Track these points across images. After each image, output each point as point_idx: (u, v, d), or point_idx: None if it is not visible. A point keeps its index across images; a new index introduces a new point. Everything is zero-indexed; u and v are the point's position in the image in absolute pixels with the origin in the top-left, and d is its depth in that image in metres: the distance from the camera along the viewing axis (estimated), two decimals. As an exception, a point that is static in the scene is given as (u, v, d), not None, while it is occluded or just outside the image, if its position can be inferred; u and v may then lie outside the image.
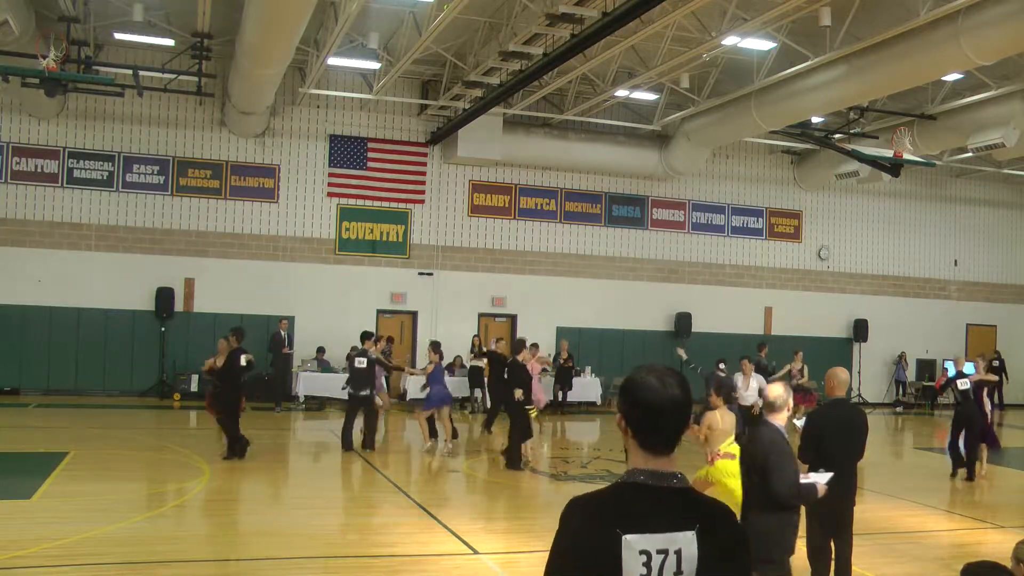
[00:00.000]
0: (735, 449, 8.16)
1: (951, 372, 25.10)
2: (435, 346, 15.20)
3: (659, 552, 2.42)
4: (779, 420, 5.90)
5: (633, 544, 2.41)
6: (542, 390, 19.24)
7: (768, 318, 25.79)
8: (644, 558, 2.41)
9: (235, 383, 13.22)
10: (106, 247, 20.99)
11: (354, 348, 15.31)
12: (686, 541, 2.44)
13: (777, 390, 6.00)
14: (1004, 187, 28.63)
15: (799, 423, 7.48)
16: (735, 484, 7.64)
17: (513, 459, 13.42)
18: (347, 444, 14.56)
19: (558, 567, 2.49)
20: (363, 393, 14.58)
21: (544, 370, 19.97)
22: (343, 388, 15.15)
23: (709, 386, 10.22)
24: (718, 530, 2.50)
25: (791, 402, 6.01)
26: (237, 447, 13.07)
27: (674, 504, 2.49)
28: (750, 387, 14.93)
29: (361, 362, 14.66)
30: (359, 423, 14.87)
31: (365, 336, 15.40)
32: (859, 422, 7.12)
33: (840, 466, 6.97)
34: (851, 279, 27.11)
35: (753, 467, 5.83)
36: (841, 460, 6.95)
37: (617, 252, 24.75)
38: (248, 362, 13.13)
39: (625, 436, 2.56)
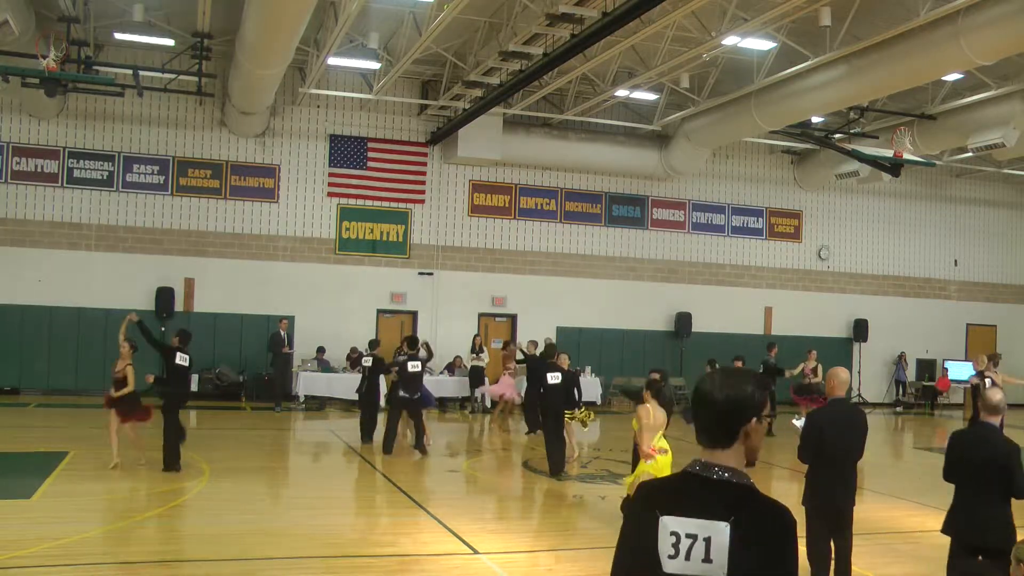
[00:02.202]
0: (666, 444, 8.75)
1: (959, 374, 25.13)
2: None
3: (688, 536, 2.56)
4: (996, 420, 6.38)
5: (667, 525, 2.58)
6: (512, 387, 19.26)
7: (768, 318, 25.79)
8: (673, 539, 2.57)
9: (185, 386, 12.89)
10: (106, 247, 20.99)
11: (400, 352, 15.07)
12: (717, 530, 2.53)
13: (999, 395, 6.45)
14: (1004, 187, 28.63)
15: (799, 423, 7.48)
16: None
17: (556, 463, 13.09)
18: (389, 448, 14.52)
19: (622, 546, 2.74)
20: (415, 396, 14.57)
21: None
22: (401, 394, 14.66)
23: None
24: (760, 528, 2.55)
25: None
26: (176, 455, 12.25)
27: (715, 494, 2.60)
28: None
29: (415, 366, 14.66)
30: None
31: (413, 342, 15.35)
32: (859, 421, 7.14)
33: (840, 466, 6.98)
34: (851, 279, 27.10)
35: (991, 466, 6.24)
36: (841, 460, 6.97)
37: (617, 252, 24.75)
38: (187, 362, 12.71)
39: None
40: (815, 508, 7.00)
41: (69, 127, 20.92)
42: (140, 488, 11.25)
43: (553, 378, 13.44)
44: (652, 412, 8.94)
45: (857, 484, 7.32)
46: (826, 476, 6.94)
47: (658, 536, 2.57)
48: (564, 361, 13.98)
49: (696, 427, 2.70)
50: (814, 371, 18.81)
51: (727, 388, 2.64)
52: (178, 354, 12.43)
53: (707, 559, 2.52)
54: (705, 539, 2.53)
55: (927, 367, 27.11)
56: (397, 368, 14.96)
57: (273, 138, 22.16)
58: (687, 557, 2.54)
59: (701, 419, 2.69)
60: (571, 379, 14.00)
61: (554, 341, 15.84)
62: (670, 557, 2.55)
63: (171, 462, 12.01)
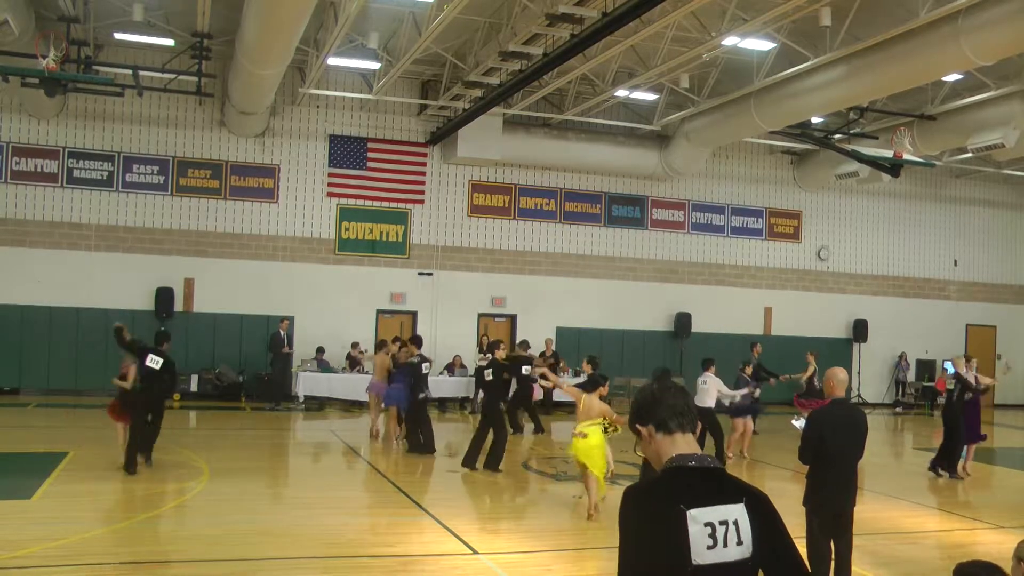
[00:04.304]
0: (592, 431, 10.15)
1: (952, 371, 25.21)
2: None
3: (721, 523, 2.64)
4: None
5: (698, 517, 2.61)
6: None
7: (768, 318, 25.79)
8: (709, 529, 2.62)
9: (153, 388, 12.21)
10: (106, 247, 20.99)
11: (418, 355, 15.00)
12: (739, 512, 2.67)
13: None
14: (1004, 187, 28.63)
15: (798, 424, 7.45)
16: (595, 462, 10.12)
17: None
18: (431, 447, 14.47)
19: (632, 554, 2.67)
20: (420, 396, 14.55)
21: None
22: (420, 396, 14.59)
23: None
24: (759, 505, 2.74)
25: None
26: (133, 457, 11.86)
27: (718, 481, 2.73)
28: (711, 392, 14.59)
29: (427, 367, 14.68)
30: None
31: (419, 341, 15.37)
32: (860, 421, 7.14)
33: (841, 466, 6.97)
34: (851, 279, 27.11)
35: None
36: (843, 460, 6.96)
37: (617, 252, 24.75)
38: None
39: (651, 441, 2.81)
40: (816, 508, 7.00)
41: (69, 127, 20.92)
42: (140, 488, 11.24)
43: (487, 374, 14.01)
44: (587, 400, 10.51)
45: (858, 484, 7.32)
46: (828, 477, 6.93)
47: (688, 531, 2.60)
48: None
49: (669, 416, 2.79)
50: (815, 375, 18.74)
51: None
52: (149, 355, 12.02)
53: (740, 542, 2.64)
54: (734, 523, 2.64)
55: (927, 367, 27.10)
56: (408, 368, 14.88)
57: (273, 138, 22.16)
58: (724, 544, 2.62)
59: (670, 403, 2.81)
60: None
61: (499, 339, 15.95)
62: (709, 548, 2.61)
63: (128, 463, 11.64)
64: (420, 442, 14.47)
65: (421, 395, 14.53)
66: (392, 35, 18.30)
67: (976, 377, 14.46)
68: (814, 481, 7.02)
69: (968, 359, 15.09)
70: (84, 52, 17.42)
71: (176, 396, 20.27)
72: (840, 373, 7.09)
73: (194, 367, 20.87)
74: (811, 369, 18.58)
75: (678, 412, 2.80)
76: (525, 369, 16.88)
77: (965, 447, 14.27)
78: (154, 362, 12.03)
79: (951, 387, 14.59)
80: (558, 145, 23.38)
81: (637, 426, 2.84)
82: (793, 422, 7.59)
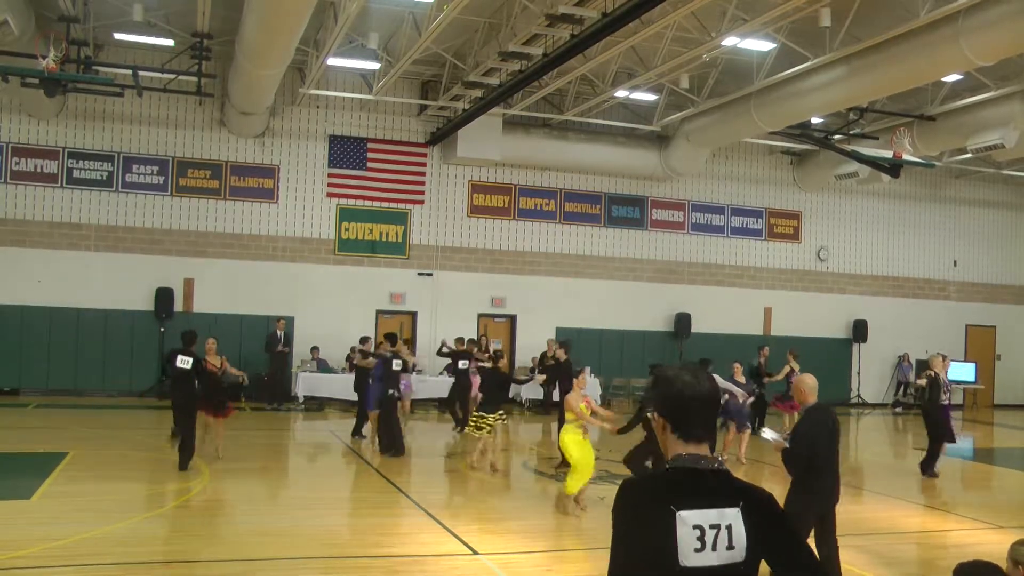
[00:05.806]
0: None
1: (958, 375, 25.28)
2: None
3: (711, 527, 2.60)
4: None
5: (687, 519, 2.58)
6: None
7: (768, 318, 25.79)
8: (698, 532, 2.58)
9: (183, 389, 12.65)
10: (106, 247, 20.99)
11: (390, 351, 15.05)
12: (734, 517, 2.62)
13: None
14: (1004, 188, 28.64)
15: (769, 436, 7.16)
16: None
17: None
18: (400, 448, 14.41)
19: (621, 552, 2.64)
20: (391, 392, 14.56)
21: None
22: (389, 392, 14.61)
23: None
24: (761, 509, 2.69)
25: None
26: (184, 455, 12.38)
27: (718, 484, 2.68)
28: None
29: (398, 364, 14.70)
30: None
31: (393, 338, 15.40)
32: (837, 423, 7.13)
33: (828, 470, 6.95)
34: (851, 279, 27.11)
35: None
36: (829, 464, 6.95)
37: (617, 252, 24.75)
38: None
39: (663, 432, 2.75)
40: (801, 513, 6.82)
41: (69, 127, 20.91)
42: (140, 489, 11.26)
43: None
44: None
45: (840, 485, 7.25)
46: (816, 482, 6.87)
47: (677, 533, 2.56)
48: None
49: (691, 425, 2.70)
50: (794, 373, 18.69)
51: (711, 382, 2.75)
52: (178, 357, 12.46)
53: (731, 546, 2.60)
54: (727, 527, 2.60)
55: (926, 368, 27.02)
56: (382, 363, 14.87)
57: (273, 138, 22.16)
58: (714, 548, 2.58)
59: (700, 414, 2.70)
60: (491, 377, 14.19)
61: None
62: (696, 551, 2.57)
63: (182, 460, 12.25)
64: (386, 443, 14.47)
65: (390, 391, 14.53)
66: (392, 35, 18.30)
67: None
68: (800, 486, 6.91)
69: (943, 357, 15.22)
70: (84, 52, 17.40)
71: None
72: (809, 380, 7.04)
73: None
74: (787, 369, 18.46)
75: (704, 426, 2.72)
76: (462, 364, 17.30)
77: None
78: (184, 363, 12.39)
79: (924, 386, 14.88)
80: (558, 145, 23.37)
81: (658, 415, 2.76)
82: (763, 434, 7.25)
